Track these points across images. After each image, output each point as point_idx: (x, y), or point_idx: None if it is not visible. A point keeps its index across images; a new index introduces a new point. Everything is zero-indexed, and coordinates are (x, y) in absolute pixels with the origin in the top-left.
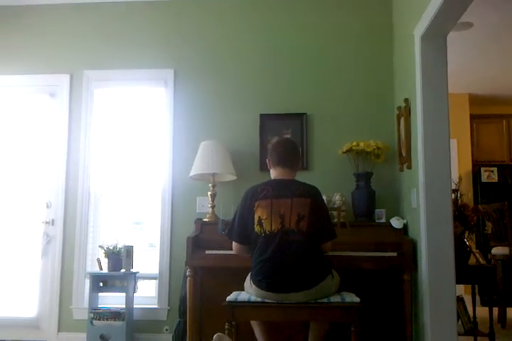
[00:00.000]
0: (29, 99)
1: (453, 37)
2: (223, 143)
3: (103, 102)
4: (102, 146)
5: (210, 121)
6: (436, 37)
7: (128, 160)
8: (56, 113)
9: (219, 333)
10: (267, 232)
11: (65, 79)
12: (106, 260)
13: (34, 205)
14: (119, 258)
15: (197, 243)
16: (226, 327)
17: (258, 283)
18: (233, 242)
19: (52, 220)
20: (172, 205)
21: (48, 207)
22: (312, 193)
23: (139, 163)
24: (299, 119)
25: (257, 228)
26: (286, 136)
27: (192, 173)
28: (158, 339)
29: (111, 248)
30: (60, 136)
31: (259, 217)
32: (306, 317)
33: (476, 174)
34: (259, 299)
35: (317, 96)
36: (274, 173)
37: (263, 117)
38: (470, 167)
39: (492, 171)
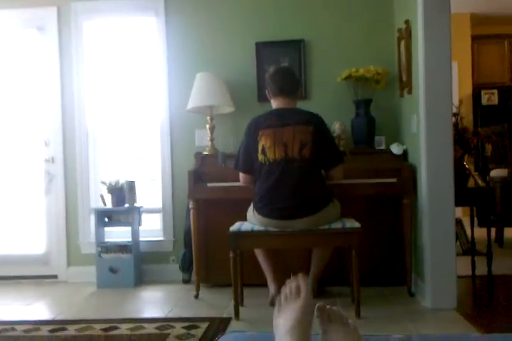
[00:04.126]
0: (17, 34)
1: None
2: (219, 74)
3: (93, 35)
4: (96, 81)
5: (205, 51)
6: None
7: (123, 94)
8: (46, 47)
9: None
10: (271, 160)
11: (51, 12)
12: (109, 196)
13: (33, 143)
14: (122, 193)
15: (198, 176)
16: (231, 255)
17: (261, 210)
18: (240, 173)
19: (52, 158)
20: (171, 139)
21: (46, 145)
22: (314, 120)
23: (135, 98)
24: (296, 46)
25: (260, 157)
26: (283, 64)
27: (189, 106)
28: (165, 269)
29: (113, 184)
30: (52, 72)
31: (262, 145)
32: (308, 244)
33: (476, 97)
34: (262, 228)
35: (314, 22)
36: (275, 103)
37: (259, 45)
38: (470, 90)
39: (492, 93)
